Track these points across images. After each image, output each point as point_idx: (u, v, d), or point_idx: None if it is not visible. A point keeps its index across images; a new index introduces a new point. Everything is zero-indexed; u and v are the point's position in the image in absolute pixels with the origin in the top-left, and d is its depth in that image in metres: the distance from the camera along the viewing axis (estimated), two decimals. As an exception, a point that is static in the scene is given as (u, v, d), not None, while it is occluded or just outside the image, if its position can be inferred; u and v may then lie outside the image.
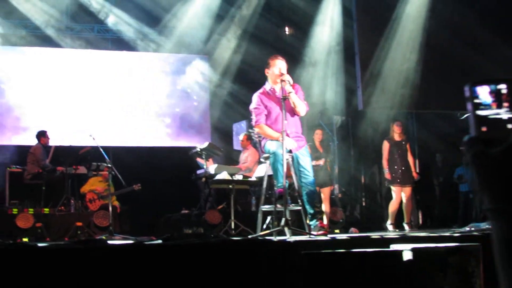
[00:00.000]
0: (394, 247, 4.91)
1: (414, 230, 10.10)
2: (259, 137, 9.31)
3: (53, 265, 4.56)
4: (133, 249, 4.88)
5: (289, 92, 6.60)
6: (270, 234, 6.45)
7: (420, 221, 13.13)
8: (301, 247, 4.95)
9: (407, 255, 4.68)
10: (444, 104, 10.50)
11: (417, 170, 11.76)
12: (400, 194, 10.21)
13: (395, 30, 10.04)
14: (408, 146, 10.41)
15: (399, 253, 4.68)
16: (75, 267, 4.58)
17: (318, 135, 10.59)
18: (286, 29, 14.37)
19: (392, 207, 10.24)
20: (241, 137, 11.81)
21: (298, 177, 6.84)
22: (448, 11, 10.18)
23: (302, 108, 6.83)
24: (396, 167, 10.21)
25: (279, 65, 6.90)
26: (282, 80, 6.64)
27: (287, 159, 6.70)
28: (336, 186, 10.87)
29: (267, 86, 7.04)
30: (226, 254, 4.94)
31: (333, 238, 5.44)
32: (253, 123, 7.02)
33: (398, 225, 10.26)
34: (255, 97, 7.00)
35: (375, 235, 5.87)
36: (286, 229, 6.30)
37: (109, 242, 5.61)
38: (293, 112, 6.83)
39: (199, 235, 6.00)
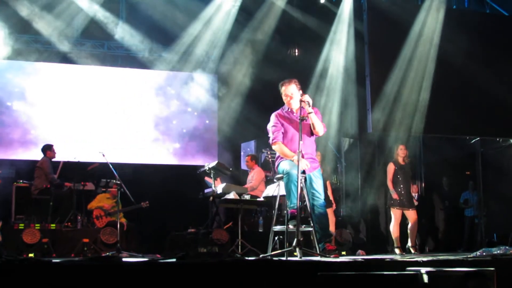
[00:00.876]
0: (410, 270, 4.91)
1: (422, 254, 10.08)
2: (272, 157, 9.34)
3: (68, 281, 4.56)
4: (148, 267, 4.87)
5: (309, 113, 6.68)
6: (282, 254, 6.44)
7: (425, 245, 13.09)
8: (315, 268, 4.95)
9: (424, 278, 4.68)
10: (453, 128, 10.51)
11: (423, 194, 11.79)
12: (399, 217, 10.26)
13: (406, 54, 10.09)
14: (410, 170, 10.48)
15: (416, 276, 4.68)
16: (90, 284, 4.58)
17: (317, 156, 10.63)
18: (297, 50, 14.43)
19: (395, 232, 10.27)
20: (246, 158, 11.89)
21: (309, 198, 6.85)
22: (460, 37, 10.23)
23: (320, 128, 6.93)
24: (399, 190, 10.24)
25: (285, 91, 7.06)
26: (301, 101, 6.72)
27: (300, 180, 6.73)
28: (343, 208, 10.86)
29: (285, 107, 7.18)
30: (241, 273, 4.94)
31: (347, 260, 5.43)
32: (270, 141, 7.10)
33: (403, 248, 10.26)
34: (273, 116, 7.14)
35: (388, 258, 5.86)
36: (297, 249, 6.30)
37: (123, 259, 5.59)
38: (309, 133, 6.94)
39: (214, 255, 5.99)
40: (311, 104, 6.77)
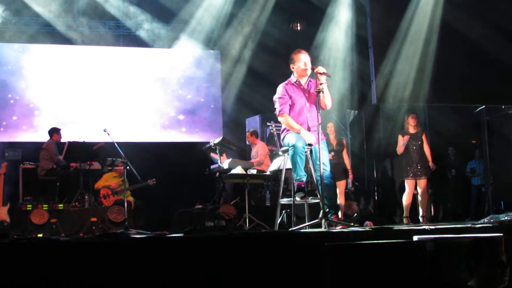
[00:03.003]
0: (417, 238, 4.91)
1: (431, 223, 10.08)
2: (278, 130, 9.29)
3: (78, 258, 4.58)
4: (156, 242, 4.89)
5: (321, 84, 6.60)
6: (306, 227, 6.45)
7: (433, 214, 13.08)
8: (323, 239, 4.95)
9: (431, 246, 4.68)
10: (458, 97, 10.44)
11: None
12: (413, 187, 10.19)
13: (409, 23, 9.96)
14: (424, 136, 10.37)
15: (423, 244, 4.69)
16: (98, 261, 4.60)
17: (330, 128, 10.58)
18: (298, 24, 14.35)
19: (406, 200, 10.21)
20: (246, 134, 11.87)
21: (315, 170, 6.81)
22: (465, 2, 10.11)
23: (329, 101, 6.85)
24: (411, 160, 10.17)
25: (303, 59, 6.94)
26: (318, 73, 6.62)
27: (305, 152, 6.71)
28: (350, 180, 10.80)
29: (293, 78, 7.04)
30: (249, 246, 4.95)
31: (355, 230, 5.43)
32: (276, 112, 6.98)
33: (412, 218, 10.24)
34: (280, 87, 7.00)
35: (396, 227, 5.86)
36: (323, 221, 6.29)
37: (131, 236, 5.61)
38: (316, 106, 6.76)
39: (221, 228, 6.00)
40: (328, 75, 6.69)
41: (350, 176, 10.69)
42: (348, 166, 10.57)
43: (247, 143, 12.65)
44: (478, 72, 10.11)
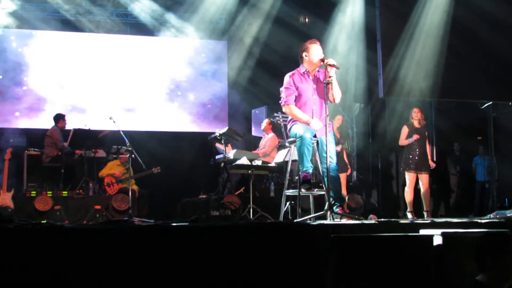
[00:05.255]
0: (423, 232, 4.88)
1: (434, 219, 10.07)
2: (285, 121, 9.22)
3: (82, 245, 4.56)
4: (161, 230, 4.87)
5: (330, 77, 6.53)
6: (311, 219, 6.42)
7: (437, 210, 13.07)
8: (329, 231, 4.94)
9: (437, 240, 4.66)
10: (465, 93, 10.40)
11: (434, 159, 11.73)
12: (414, 181, 10.21)
13: (419, 17, 9.92)
14: (426, 134, 10.39)
15: (429, 237, 4.66)
16: (102, 248, 4.58)
17: (338, 120, 10.60)
18: (307, 15, 14.29)
19: (408, 195, 10.24)
20: (265, 122, 11.77)
21: (321, 162, 6.77)
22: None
23: (338, 94, 6.78)
24: (413, 153, 10.20)
25: (319, 50, 6.84)
26: (328, 64, 6.54)
27: (312, 144, 6.67)
28: (354, 173, 10.82)
29: (302, 69, 6.91)
30: (254, 236, 4.93)
31: (361, 223, 5.40)
32: (282, 102, 6.89)
33: (415, 213, 10.24)
34: (287, 77, 6.88)
35: (403, 220, 5.83)
36: (328, 213, 6.26)
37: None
38: (323, 98, 6.64)
39: (227, 217, 5.97)
40: (338, 67, 6.61)
41: (349, 169, 10.74)
42: (346, 160, 10.65)
43: (256, 133, 12.61)
44: (487, 68, 10.07)
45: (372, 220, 9.78)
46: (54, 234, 4.62)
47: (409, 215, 10.14)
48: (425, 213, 10.12)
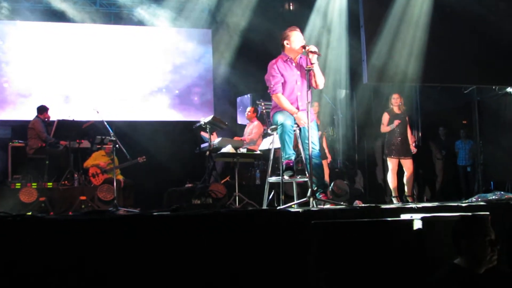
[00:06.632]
0: (404, 216, 4.90)
1: (418, 203, 10.11)
2: (267, 108, 9.20)
3: (62, 236, 4.54)
4: (142, 220, 4.86)
5: (312, 63, 6.51)
6: (294, 206, 6.41)
7: (422, 194, 13.13)
8: (310, 217, 4.94)
9: (417, 225, 4.68)
10: (449, 77, 10.42)
11: (419, 143, 11.77)
12: (396, 166, 10.25)
13: (402, 2, 9.93)
14: (407, 119, 10.43)
15: (410, 222, 4.68)
16: (84, 238, 4.57)
17: (315, 107, 10.61)
18: (291, 3, 14.25)
19: (392, 180, 10.28)
20: (248, 109, 11.76)
21: (304, 149, 6.77)
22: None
23: (321, 81, 6.74)
24: (394, 139, 10.25)
25: (299, 37, 6.82)
26: (310, 51, 6.50)
27: (294, 131, 6.67)
28: (340, 159, 10.83)
29: (284, 56, 6.88)
30: (236, 224, 4.93)
31: (343, 209, 5.42)
32: (270, 91, 6.85)
33: (401, 198, 10.28)
34: (271, 65, 6.84)
35: (384, 206, 5.85)
36: (311, 200, 6.26)
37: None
38: (307, 84, 6.60)
39: (208, 206, 5.98)
40: (319, 54, 6.59)
41: (329, 156, 10.77)
42: (326, 149, 10.69)
43: (241, 121, 12.60)
44: (470, 52, 10.08)
45: (357, 205, 9.84)
46: (35, 226, 4.60)
47: (394, 200, 10.18)
48: (408, 198, 10.17)
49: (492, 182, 12.53)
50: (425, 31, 9.88)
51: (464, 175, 13.49)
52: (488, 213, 4.83)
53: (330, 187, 10.49)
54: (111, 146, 10.22)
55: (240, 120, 13.40)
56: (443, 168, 13.69)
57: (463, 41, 10.08)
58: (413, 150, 10.39)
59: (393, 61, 9.84)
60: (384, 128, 10.41)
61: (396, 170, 10.27)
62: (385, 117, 10.44)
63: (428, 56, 9.83)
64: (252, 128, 11.60)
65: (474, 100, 12.21)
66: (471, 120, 12.67)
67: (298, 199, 6.81)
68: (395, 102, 10.39)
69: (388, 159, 10.36)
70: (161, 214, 5.03)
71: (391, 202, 10.36)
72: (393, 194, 10.26)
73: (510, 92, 11.76)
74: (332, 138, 11.66)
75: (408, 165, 10.21)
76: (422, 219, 4.68)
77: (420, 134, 13.48)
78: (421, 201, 11.90)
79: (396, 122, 10.21)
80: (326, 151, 10.96)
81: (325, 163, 10.45)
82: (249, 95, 13.17)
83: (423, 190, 13.31)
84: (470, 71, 10.23)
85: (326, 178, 10.22)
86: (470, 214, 4.53)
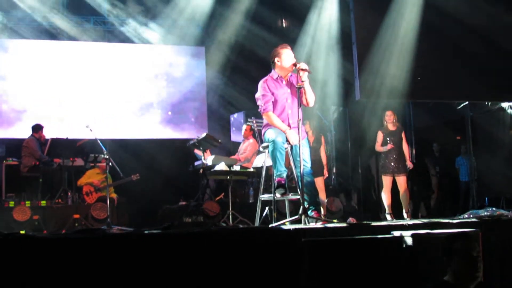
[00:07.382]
0: (395, 233, 4.90)
1: (410, 219, 10.09)
2: (259, 126, 9.21)
3: (54, 255, 4.54)
4: (134, 238, 4.86)
5: (303, 81, 6.49)
6: (286, 223, 6.39)
7: (418, 211, 13.12)
8: (301, 235, 4.94)
9: (408, 241, 4.69)
10: (442, 93, 10.47)
11: (413, 160, 11.76)
12: (390, 184, 10.21)
13: (393, 19, 9.97)
14: (403, 134, 10.40)
15: (400, 239, 4.68)
16: (75, 257, 4.56)
17: (307, 126, 10.60)
18: (283, 20, 14.33)
19: (386, 198, 10.23)
20: (244, 127, 11.74)
21: (295, 166, 6.76)
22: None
23: (312, 98, 6.73)
24: (389, 157, 10.21)
25: (290, 55, 6.78)
26: (300, 69, 6.49)
27: (285, 149, 6.66)
28: (325, 177, 10.78)
29: (274, 74, 6.85)
30: (227, 242, 4.93)
31: (334, 226, 5.41)
32: (260, 110, 6.82)
33: (395, 215, 10.25)
34: (262, 83, 6.81)
35: (375, 223, 5.85)
36: (303, 217, 6.24)
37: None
38: (298, 102, 6.54)
39: (199, 224, 5.98)
40: (309, 71, 6.56)
41: (325, 173, 10.68)
42: (325, 163, 10.56)
43: (235, 139, 12.60)
44: (461, 69, 10.13)
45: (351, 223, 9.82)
46: (27, 244, 4.60)
47: (388, 217, 10.15)
48: (405, 215, 10.13)
49: (486, 198, 12.54)
50: (416, 47, 9.93)
51: (466, 191, 13.46)
52: (478, 229, 4.83)
53: (325, 203, 10.46)
54: (105, 164, 10.21)
55: (234, 137, 13.41)
56: (438, 184, 13.69)
57: (454, 58, 10.13)
58: (410, 165, 10.35)
59: (385, 78, 9.87)
60: (379, 147, 10.38)
61: (390, 187, 10.24)
62: (379, 136, 10.38)
63: (420, 73, 9.87)
64: (247, 146, 11.59)
65: (467, 117, 12.24)
66: (464, 136, 12.69)
67: (291, 216, 6.79)
68: (389, 119, 10.37)
69: (382, 176, 10.33)
70: (152, 233, 5.02)
71: (385, 219, 10.35)
72: (387, 211, 10.24)
73: (503, 107, 11.83)
74: (327, 155, 11.65)
75: (401, 181, 10.18)
76: (413, 236, 4.68)
77: (414, 151, 13.50)
78: (415, 217, 11.89)
79: (389, 146, 10.17)
80: (325, 166, 10.83)
81: (321, 180, 10.41)
82: (242, 112, 13.19)
83: (418, 206, 13.30)
84: (462, 87, 10.27)
85: (323, 194, 10.18)
86: (455, 231, 4.54)
